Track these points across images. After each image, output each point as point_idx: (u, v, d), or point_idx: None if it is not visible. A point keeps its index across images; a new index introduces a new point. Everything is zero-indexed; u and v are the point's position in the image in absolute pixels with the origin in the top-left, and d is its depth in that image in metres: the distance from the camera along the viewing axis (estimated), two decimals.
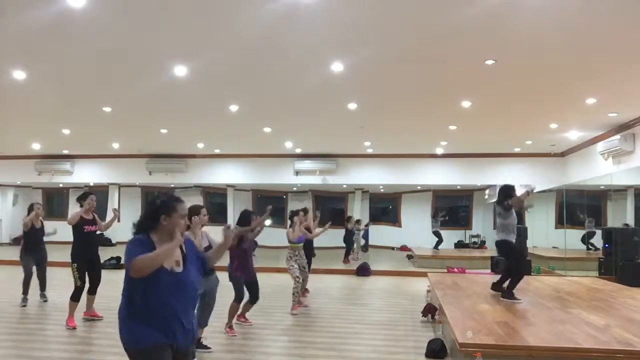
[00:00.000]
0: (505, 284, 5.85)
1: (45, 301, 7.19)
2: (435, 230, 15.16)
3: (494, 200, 6.53)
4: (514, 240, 5.93)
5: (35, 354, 4.76)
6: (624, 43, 5.11)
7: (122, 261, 2.37)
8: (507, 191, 5.96)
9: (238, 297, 5.64)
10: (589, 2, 4.23)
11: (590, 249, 11.13)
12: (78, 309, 5.93)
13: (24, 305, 6.88)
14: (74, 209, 6.25)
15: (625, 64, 5.75)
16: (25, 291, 7.05)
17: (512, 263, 6.01)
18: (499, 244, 6.02)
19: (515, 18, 4.54)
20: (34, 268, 7.24)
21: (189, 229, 4.16)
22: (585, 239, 11.40)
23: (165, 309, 2.51)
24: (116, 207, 7.76)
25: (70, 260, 5.93)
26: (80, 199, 6.12)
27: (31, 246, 7.21)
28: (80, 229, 5.93)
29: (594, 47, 5.24)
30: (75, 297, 5.85)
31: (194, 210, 4.68)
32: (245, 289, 5.70)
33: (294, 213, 7.29)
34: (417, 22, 4.73)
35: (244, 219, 5.81)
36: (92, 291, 6.10)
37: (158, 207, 2.64)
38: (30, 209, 7.34)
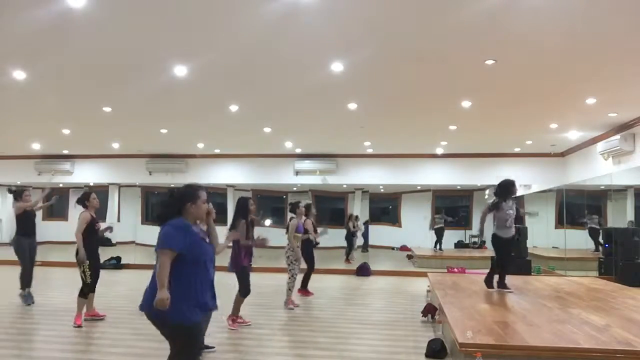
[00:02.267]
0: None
1: (31, 304, 6.92)
2: (439, 227, 15.17)
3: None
4: (504, 235, 6.09)
5: (36, 354, 4.76)
6: (624, 43, 5.11)
7: (156, 245, 2.96)
8: (505, 187, 6.19)
9: (244, 291, 5.73)
10: (589, 2, 4.23)
11: (598, 249, 10.87)
12: None
13: (30, 303, 6.75)
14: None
15: (625, 64, 5.75)
16: (27, 283, 6.84)
17: (497, 257, 6.33)
18: (491, 238, 6.29)
19: (515, 18, 4.54)
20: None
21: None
22: (593, 238, 11.29)
23: (205, 277, 2.93)
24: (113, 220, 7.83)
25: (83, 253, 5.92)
26: (83, 199, 6.13)
27: (24, 232, 7.00)
28: (92, 228, 6.01)
29: (594, 47, 5.25)
30: (84, 294, 5.92)
31: None
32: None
33: (295, 205, 7.48)
34: (417, 21, 4.73)
35: (241, 206, 5.90)
36: (93, 289, 6.13)
37: (183, 194, 2.96)
38: (19, 194, 7.08)
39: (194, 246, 2.90)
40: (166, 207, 2.97)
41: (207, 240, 3.09)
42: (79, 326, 5.70)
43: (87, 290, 5.94)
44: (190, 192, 2.96)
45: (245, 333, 5.63)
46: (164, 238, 2.83)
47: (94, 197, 6.16)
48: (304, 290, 8.20)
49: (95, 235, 6.09)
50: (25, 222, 7.05)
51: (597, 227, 11.14)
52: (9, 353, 4.73)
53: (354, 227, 14.37)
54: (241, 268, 5.78)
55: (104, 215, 16.38)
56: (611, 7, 4.31)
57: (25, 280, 6.95)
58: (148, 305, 2.81)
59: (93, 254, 6.04)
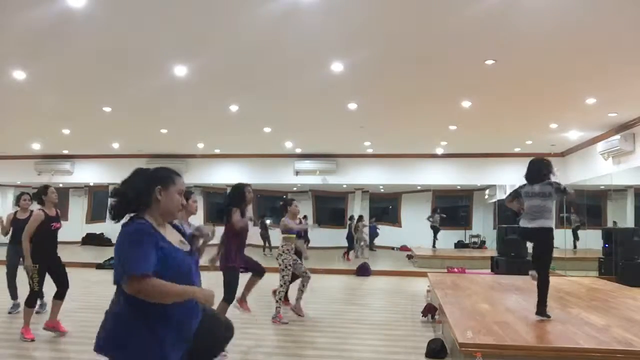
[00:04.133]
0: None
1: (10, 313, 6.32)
2: (434, 226, 15.21)
3: (505, 194, 6.49)
4: (522, 225, 4.75)
5: (37, 354, 4.76)
6: (624, 43, 5.11)
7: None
8: (550, 166, 4.97)
9: (229, 297, 4.85)
10: (589, 2, 4.23)
11: (576, 246, 11.40)
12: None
13: (18, 312, 6.16)
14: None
15: (625, 64, 5.75)
16: (13, 294, 6.31)
17: (546, 260, 4.65)
18: (539, 232, 4.55)
19: (515, 18, 4.55)
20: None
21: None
22: (575, 236, 11.53)
23: (190, 303, 2.04)
24: None
25: (30, 262, 5.07)
26: (39, 194, 5.21)
27: (17, 238, 6.13)
28: (48, 227, 5.12)
29: (594, 47, 5.25)
30: (30, 303, 5.15)
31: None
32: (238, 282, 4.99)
33: (287, 202, 6.60)
34: (417, 22, 4.73)
35: (237, 192, 4.96)
36: (60, 295, 5.31)
37: (152, 175, 2.09)
38: (18, 199, 6.55)
39: (169, 260, 1.97)
40: (125, 189, 2.03)
41: (188, 247, 2.17)
42: (32, 340, 5.01)
43: (33, 299, 5.15)
44: (162, 173, 2.11)
45: (244, 332, 5.62)
46: (128, 260, 1.88)
47: (52, 192, 5.22)
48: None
49: (51, 237, 5.20)
50: (13, 231, 6.37)
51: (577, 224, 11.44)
52: (2, 353, 4.71)
53: (357, 227, 14.41)
54: (230, 269, 4.83)
55: (104, 216, 16.42)
56: (611, 7, 4.31)
57: (12, 291, 6.40)
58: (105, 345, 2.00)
59: (47, 257, 5.18)
